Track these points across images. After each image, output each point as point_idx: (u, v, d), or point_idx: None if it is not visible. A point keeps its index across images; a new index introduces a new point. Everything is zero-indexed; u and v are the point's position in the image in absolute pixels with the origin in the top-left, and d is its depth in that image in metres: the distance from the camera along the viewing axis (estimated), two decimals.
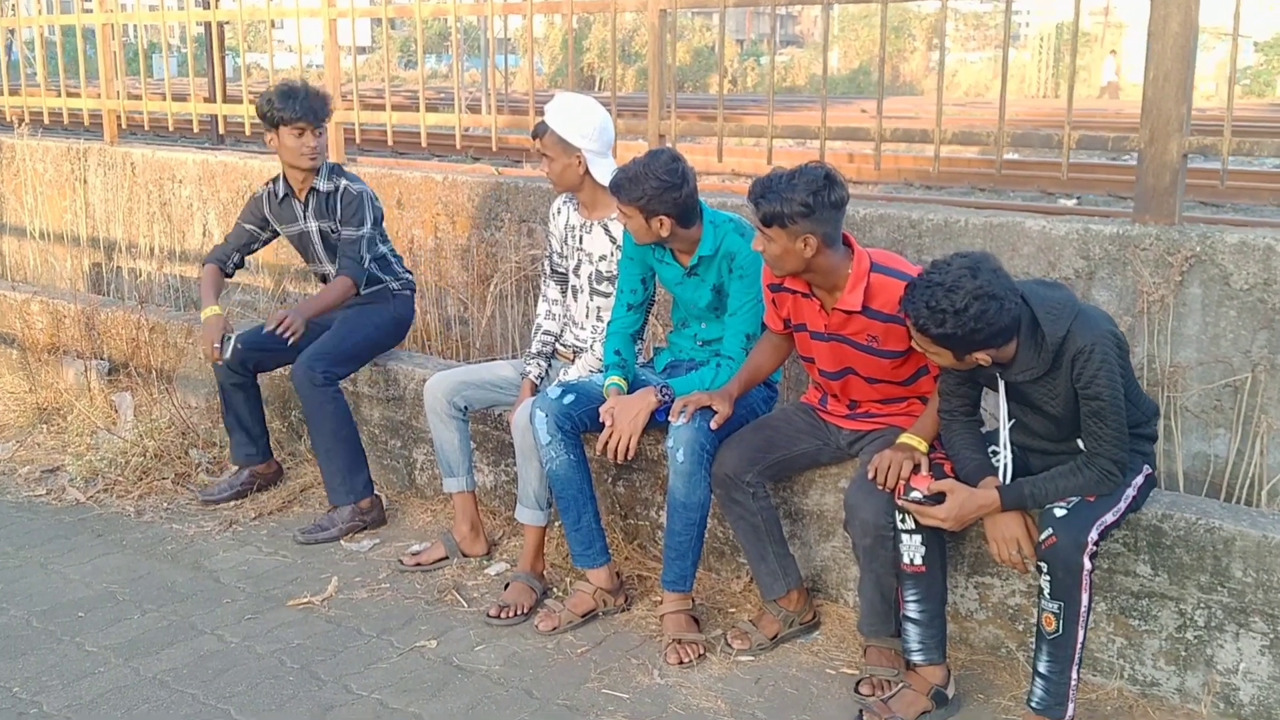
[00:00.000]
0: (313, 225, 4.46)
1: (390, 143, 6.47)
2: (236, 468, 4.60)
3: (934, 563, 3.02)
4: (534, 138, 3.80)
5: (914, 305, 2.74)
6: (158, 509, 4.49)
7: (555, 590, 3.77)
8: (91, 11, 7.63)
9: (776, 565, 3.41)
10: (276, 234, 4.57)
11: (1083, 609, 2.78)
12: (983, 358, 2.78)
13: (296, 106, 4.26)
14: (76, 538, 4.24)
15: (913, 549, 3.00)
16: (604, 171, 3.71)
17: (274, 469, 4.70)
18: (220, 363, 4.34)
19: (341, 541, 4.18)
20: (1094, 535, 2.76)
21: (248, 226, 4.53)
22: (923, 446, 3.07)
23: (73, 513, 4.47)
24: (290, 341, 4.18)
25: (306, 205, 4.44)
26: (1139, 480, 2.92)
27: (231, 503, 4.51)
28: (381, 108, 6.19)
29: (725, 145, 5.27)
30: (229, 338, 4.28)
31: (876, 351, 3.14)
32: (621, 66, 40.18)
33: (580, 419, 3.58)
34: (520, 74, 35.99)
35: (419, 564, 3.98)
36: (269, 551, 4.12)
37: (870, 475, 3.04)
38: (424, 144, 6.14)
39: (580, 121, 3.70)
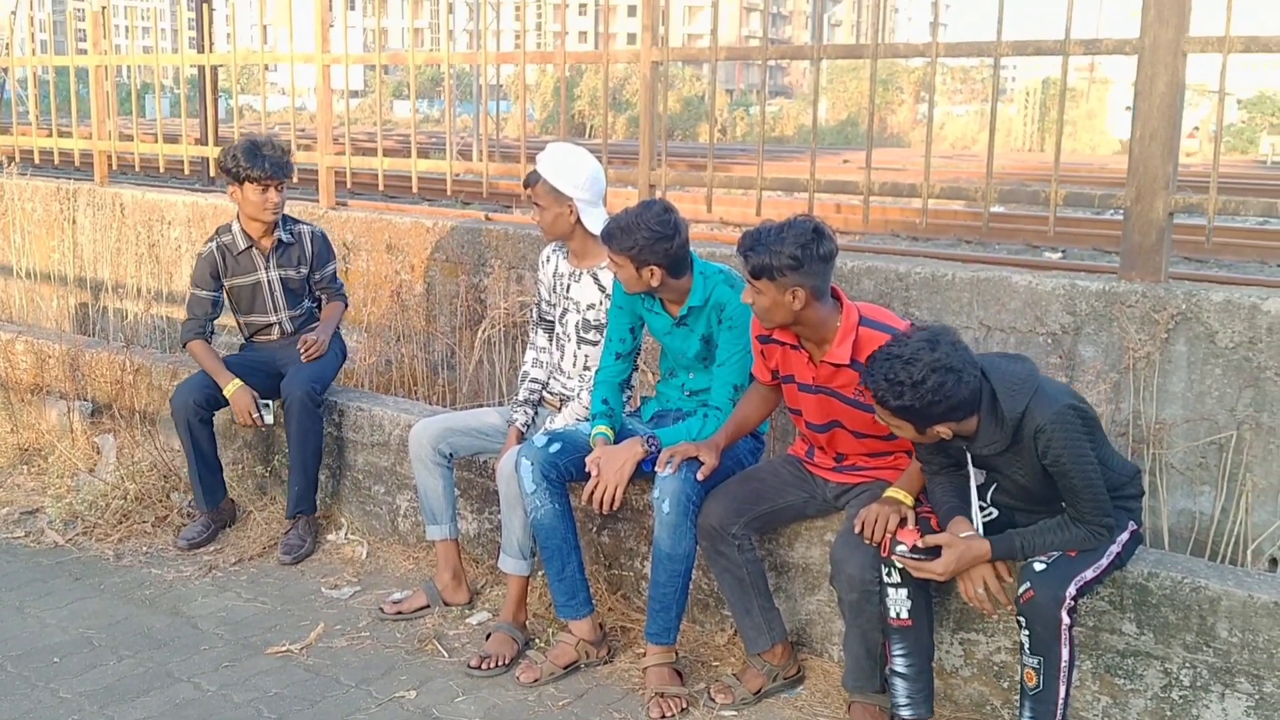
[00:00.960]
0: (274, 274, 4.58)
1: (381, 187, 6.49)
2: (206, 511, 4.57)
3: (920, 616, 3.01)
4: (526, 186, 3.82)
5: (873, 378, 2.77)
6: (137, 553, 4.44)
7: (537, 641, 3.73)
8: (85, 52, 7.66)
9: (761, 619, 3.39)
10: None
11: (1063, 664, 2.77)
12: (944, 431, 2.79)
13: (265, 164, 4.37)
14: (54, 581, 4.19)
15: (899, 603, 2.99)
16: (595, 221, 3.72)
17: (231, 505, 4.72)
18: (262, 428, 4.53)
19: (323, 589, 4.15)
20: (1072, 590, 2.76)
21: (206, 293, 4.56)
22: (909, 500, 3.06)
23: (51, 555, 4.42)
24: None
25: (269, 257, 4.55)
26: (1124, 537, 2.91)
27: (211, 546, 4.48)
28: (373, 152, 6.21)
29: (715, 195, 5.30)
30: (264, 405, 4.42)
31: (863, 405, 3.14)
32: (612, 114, 40.48)
33: (566, 468, 3.56)
34: (511, 120, 36.25)
35: (400, 612, 3.94)
36: (248, 598, 4.08)
37: (857, 529, 3.03)
38: (415, 190, 6.16)
39: (572, 171, 3.72)
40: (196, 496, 4.53)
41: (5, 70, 8.80)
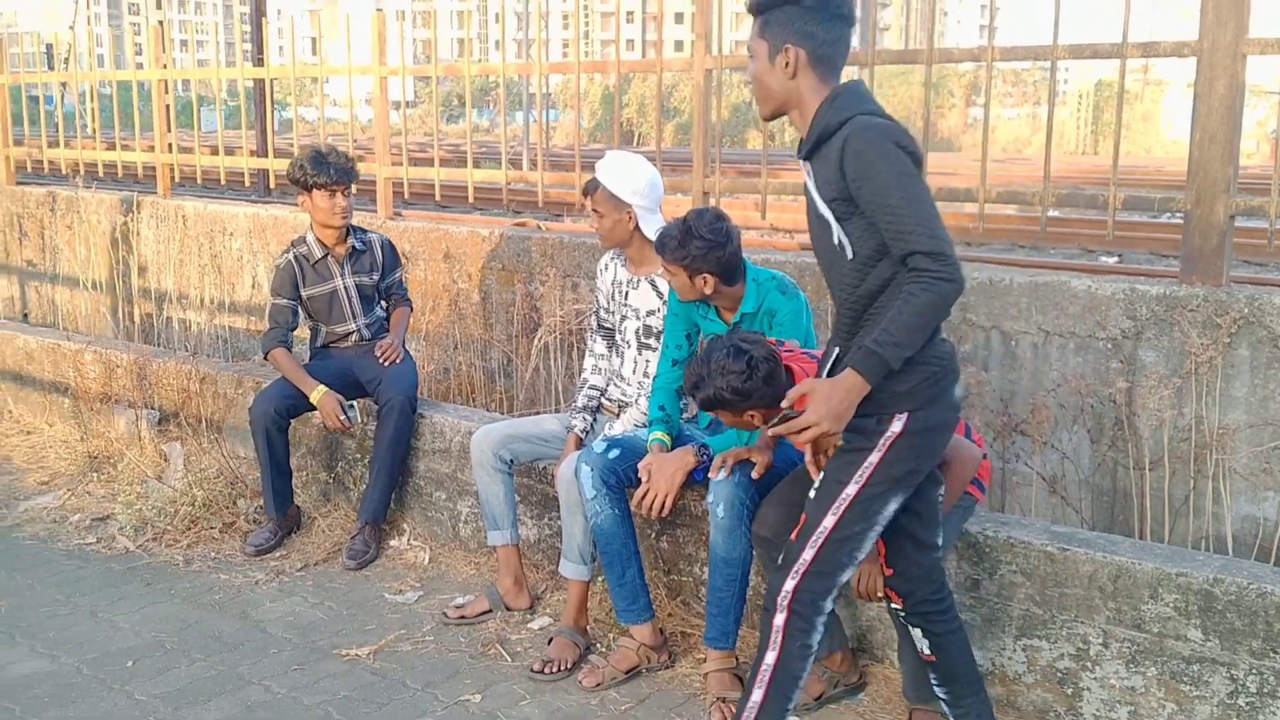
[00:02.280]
0: (349, 281, 4.72)
1: (438, 197, 6.58)
2: (274, 518, 4.67)
3: (947, 648, 2.93)
4: (584, 194, 3.87)
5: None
6: (205, 558, 4.54)
7: (598, 646, 3.77)
8: (141, 66, 7.82)
9: None
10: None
11: (763, 669, 2.73)
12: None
13: (331, 170, 4.53)
14: (126, 586, 4.29)
15: (920, 640, 2.95)
16: (653, 227, 3.76)
17: (297, 511, 4.82)
18: (351, 430, 4.62)
19: (386, 594, 4.21)
20: (788, 584, 2.69)
21: (286, 302, 4.69)
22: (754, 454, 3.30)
23: (122, 561, 4.53)
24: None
25: (344, 264, 4.69)
26: (893, 432, 2.61)
27: (277, 552, 4.57)
28: (428, 162, 6.30)
29: (767, 201, 5.32)
30: (349, 406, 4.54)
31: None
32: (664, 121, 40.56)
33: (625, 474, 3.60)
34: (560, 128, 36.46)
35: (463, 617, 3.99)
36: (315, 602, 4.15)
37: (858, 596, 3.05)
38: (471, 199, 6.24)
39: (631, 178, 3.77)
40: (266, 503, 4.63)
41: (64, 85, 8.99)
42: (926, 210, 2.46)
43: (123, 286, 7.63)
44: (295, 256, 4.68)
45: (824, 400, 2.56)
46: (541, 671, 3.58)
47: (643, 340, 3.92)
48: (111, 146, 8.13)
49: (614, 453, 3.60)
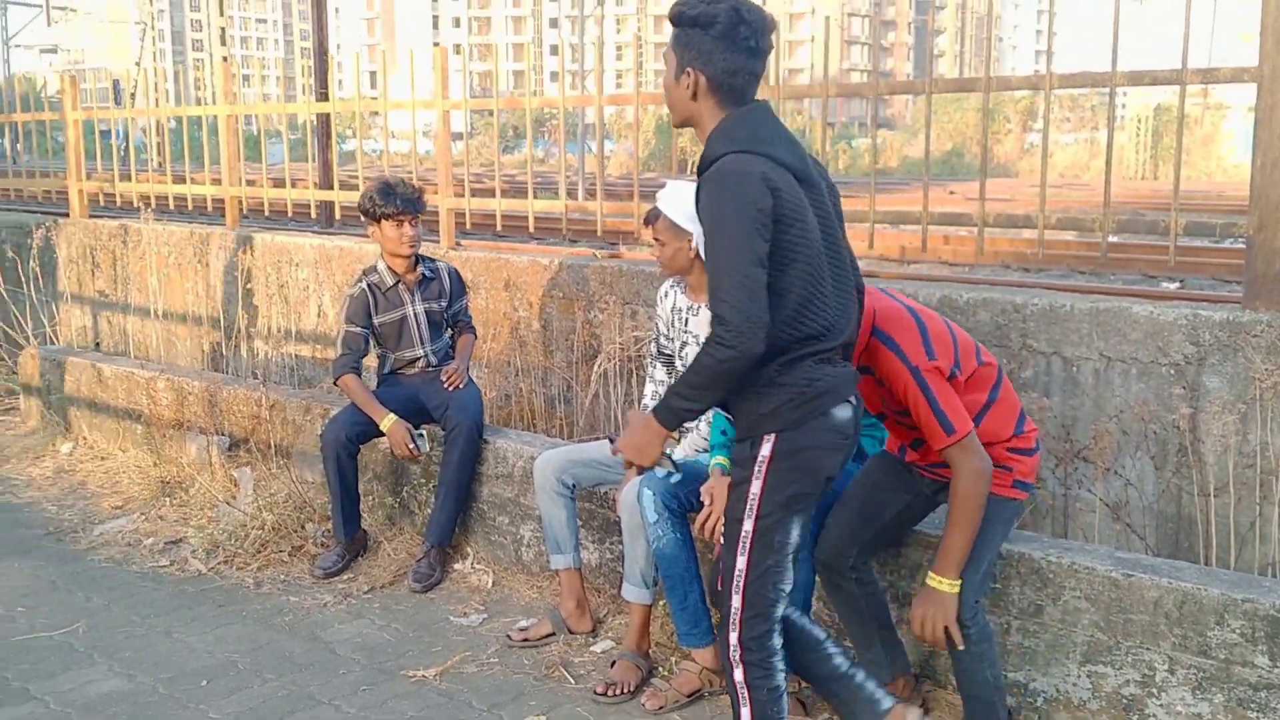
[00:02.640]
0: (419, 308, 4.84)
1: (499, 227, 6.69)
2: (342, 541, 4.77)
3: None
4: (646, 223, 3.94)
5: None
6: (275, 580, 4.65)
7: (660, 669, 3.81)
8: (206, 100, 8.03)
9: (882, 651, 3.41)
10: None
11: None
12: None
13: (398, 201, 4.67)
14: (199, 607, 4.40)
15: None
16: None
17: (363, 535, 4.91)
18: (419, 459, 4.71)
19: (451, 616, 4.29)
20: (733, 638, 2.73)
21: (359, 329, 4.80)
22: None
23: (195, 583, 4.64)
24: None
25: (414, 291, 4.82)
26: (763, 455, 2.69)
27: (344, 575, 4.66)
28: (486, 193, 6.42)
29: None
30: (418, 435, 4.65)
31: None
32: None
33: (687, 498, 3.65)
34: (614, 158, 36.73)
35: (526, 639, 4.05)
36: (382, 624, 4.23)
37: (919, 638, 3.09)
38: (532, 229, 6.34)
39: (691, 208, 3.83)
40: (335, 527, 4.73)
41: (130, 120, 9.26)
42: (735, 276, 2.51)
43: (193, 316, 7.82)
44: (368, 285, 4.80)
45: (632, 433, 2.77)
46: (605, 694, 3.62)
47: None
48: (180, 180, 8.35)
49: (676, 477, 3.65)
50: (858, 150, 43.08)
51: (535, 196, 6.34)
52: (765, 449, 2.68)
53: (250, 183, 8.08)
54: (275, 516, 4.97)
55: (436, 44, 6.78)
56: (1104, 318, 4.17)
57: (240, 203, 8.01)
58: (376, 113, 7.29)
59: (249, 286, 7.39)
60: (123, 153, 9.48)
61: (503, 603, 4.44)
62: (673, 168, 6.38)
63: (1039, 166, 4.76)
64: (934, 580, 3.00)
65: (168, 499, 5.51)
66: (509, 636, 4.08)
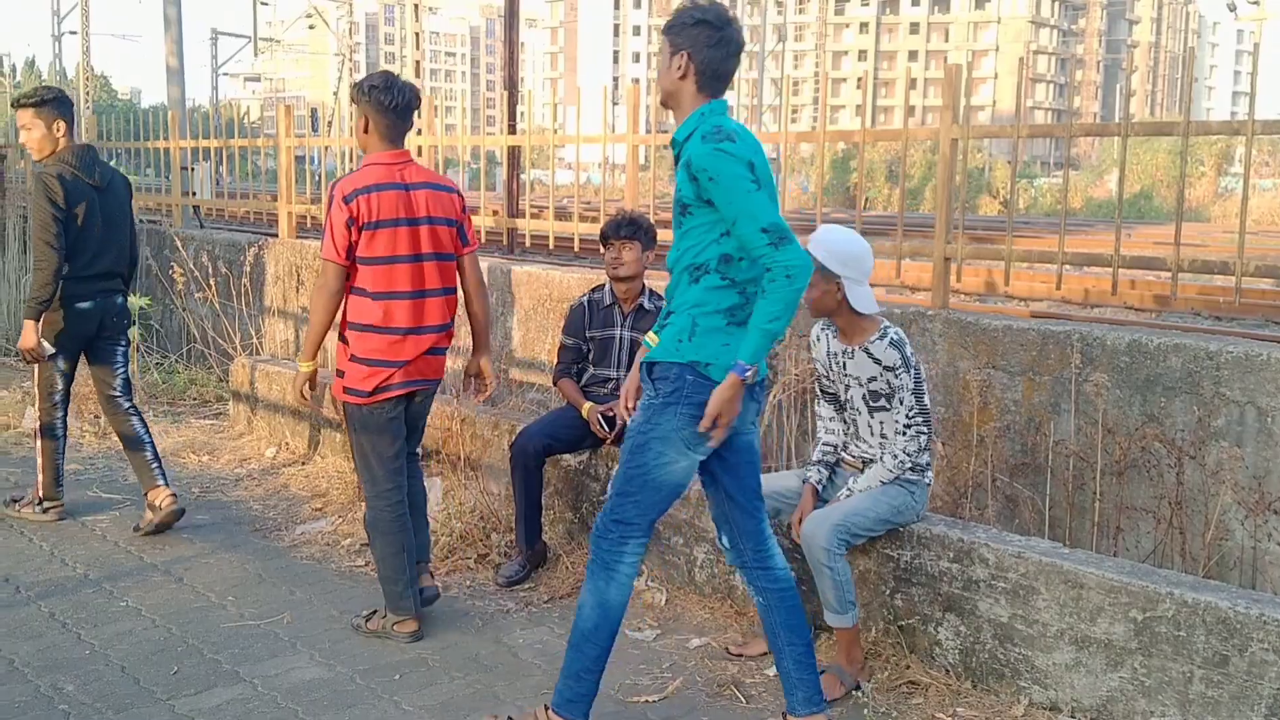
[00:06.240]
0: (628, 334, 5.07)
1: None
2: (524, 551, 4.98)
3: None
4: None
5: None
6: (461, 585, 4.89)
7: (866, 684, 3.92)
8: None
9: None
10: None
11: None
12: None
13: (609, 226, 4.98)
14: None
15: None
16: (860, 298, 3.92)
17: (544, 547, 5.12)
18: (608, 439, 4.96)
19: (627, 631, 4.43)
20: None
21: (573, 341, 5.13)
22: None
23: None
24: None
25: (628, 316, 5.05)
26: None
27: (526, 584, 4.88)
28: (665, 224, 6.60)
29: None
30: (612, 418, 4.92)
31: None
32: (888, 186, 40.39)
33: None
34: (785, 193, 36.80)
35: (742, 654, 4.22)
36: (560, 632, 4.41)
37: None
38: None
39: (840, 251, 3.94)
40: (519, 536, 4.96)
41: (324, 148, 9.84)
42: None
43: None
44: (588, 300, 5.14)
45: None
46: None
47: (871, 405, 4.05)
48: None
49: None
50: (1039, 189, 41.93)
51: None
52: None
53: None
54: (463, 525, 5.23)
55: (635, 80, 7.02)
56: None
57: None
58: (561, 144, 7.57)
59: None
60: (319, 177, 10.05)
61: (675, 620, 4.56)
62: (859, 206, 6.44)
63: (1231, 211, 4.67)
64: None
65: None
66: (728, 650, 4.26)
